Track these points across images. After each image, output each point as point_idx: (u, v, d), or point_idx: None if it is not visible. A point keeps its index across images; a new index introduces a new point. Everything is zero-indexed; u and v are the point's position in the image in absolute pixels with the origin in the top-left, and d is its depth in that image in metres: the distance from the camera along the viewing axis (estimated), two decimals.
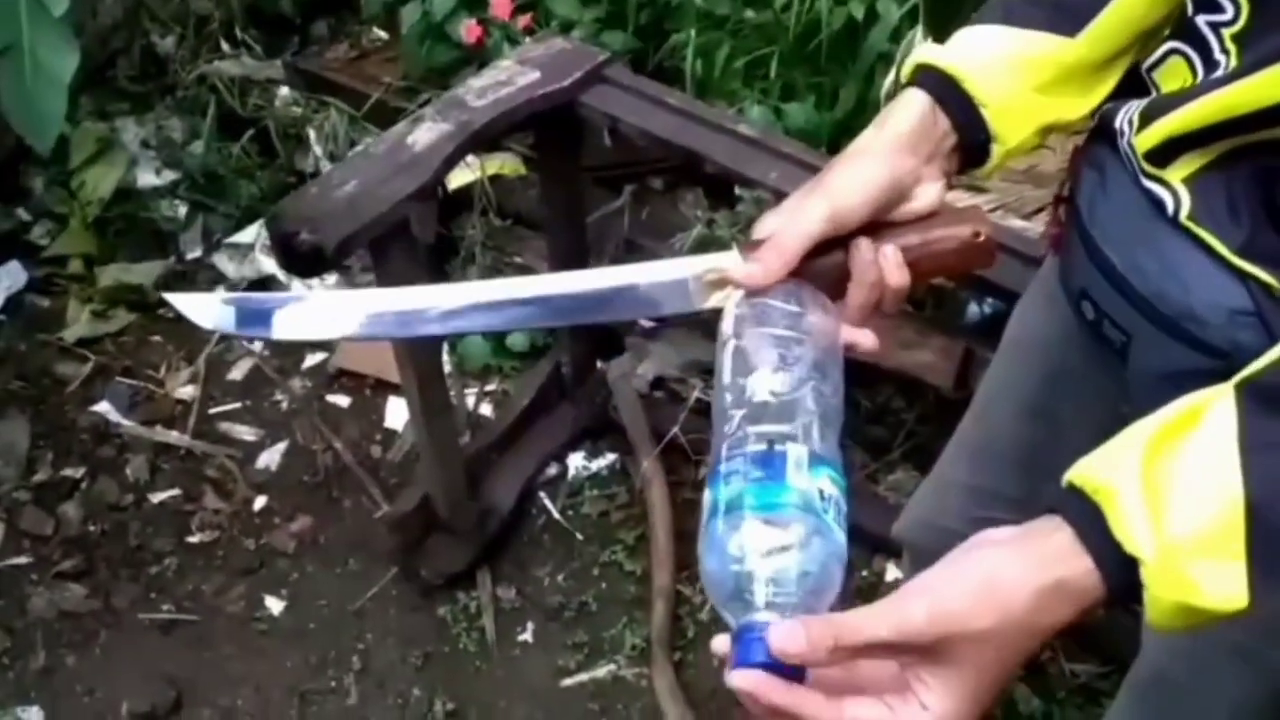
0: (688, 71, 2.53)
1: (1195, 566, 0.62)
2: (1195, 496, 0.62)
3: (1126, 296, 0.87)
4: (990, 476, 1.28)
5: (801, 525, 0.69)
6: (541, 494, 2.26)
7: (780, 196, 1.73)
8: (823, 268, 0.83)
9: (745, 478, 0.72)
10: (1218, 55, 0.81)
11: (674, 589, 2.05)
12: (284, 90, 2.83)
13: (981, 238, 0.86)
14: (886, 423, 2.23)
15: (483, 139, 1.73)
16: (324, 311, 0.91)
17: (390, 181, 1.60)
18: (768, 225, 0.85)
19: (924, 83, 0.87)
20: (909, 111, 0.86)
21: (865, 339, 0.84)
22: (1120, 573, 0.64)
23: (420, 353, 1.81)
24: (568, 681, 2.00)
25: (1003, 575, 0.65)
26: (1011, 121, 0.87)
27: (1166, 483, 0.63)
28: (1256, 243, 0.78)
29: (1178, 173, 0.83)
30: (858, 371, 2.16)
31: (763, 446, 0.73)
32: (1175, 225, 0.82)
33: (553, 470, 2.29)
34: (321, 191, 1.60)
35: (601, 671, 2.01)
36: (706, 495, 0.74)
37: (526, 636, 2.07)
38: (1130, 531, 0.63)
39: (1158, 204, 0.83)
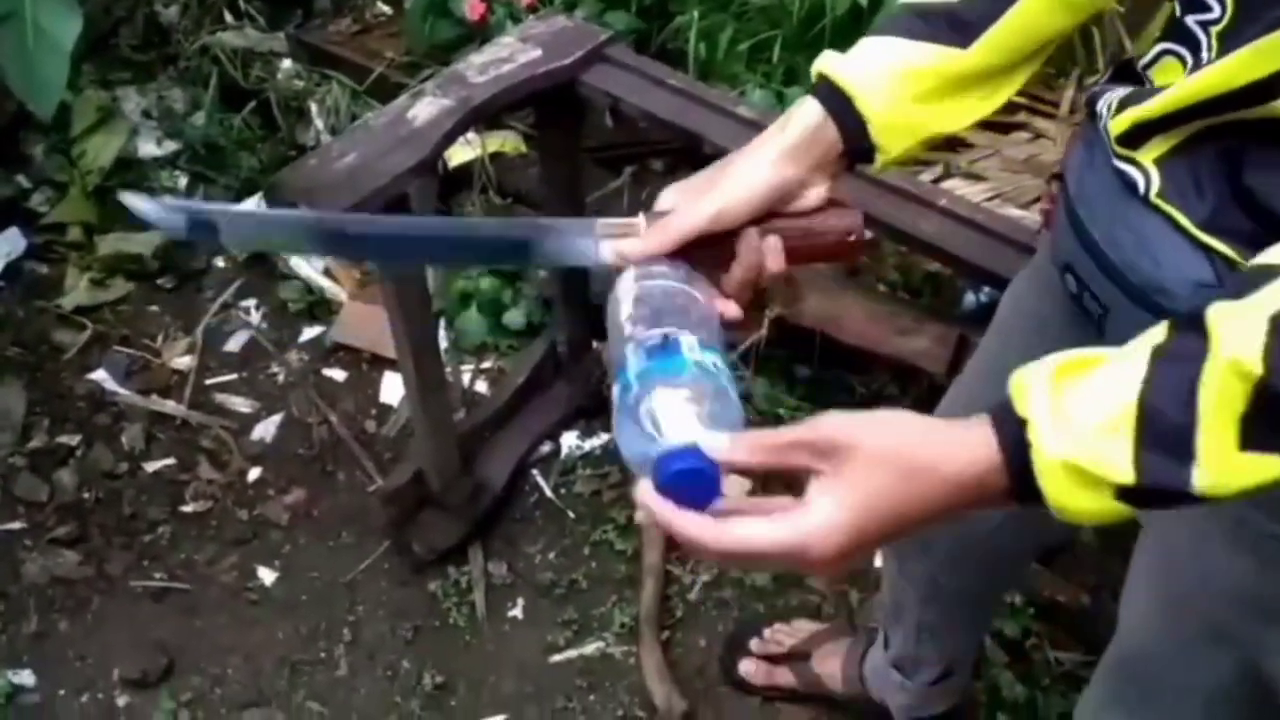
0: (690, 53, 2.53)
1: (1086, 437, 0.67)
2: (1097, 388, 0.68)
3: (1104, 269, 0.91)
4: None
5: (701, 385, 0.81)
6: (534, 472, 2.26)
7: None
8: (709, 245, 0.94)
9: (649, 358, 0.83)
10: (1204, 53, 0.84)
11: (664, 569, 2.06)
12: (286, 63, 2.83)
13: (854, 238, 0.98)
14: (879, 409, 2.23)
15: (483, 115, 1.73)
16: (265, 224, 1.07)
17: (390, 155, 1.60)
18: (666, 200, 0.97)
19: (820, 92, 0.96)
20: (804, 121, 0.95)
21: (730, 309, 0.94)
22: (1019, 449, 0.70)
23: (416, 328, 1.82)
24: (556, 658, 2.02)
25: (915, 422, 0.77)
26: (894, 135, 0.95)
27: (1077, 380, 0.69)
28: (1219, 219, 0.82)
29: (1148, 154, 0.87)
30: (852, 357, 2.19)
31: (659, 338, 0.84)
32: (1146, 203, 0.87)
33: (546, 448, 2.29)
34: (321, 163, 1.60)
35: (590, 649, 2.03)
36: (615, 389, 0.84)
37: (516, 612, 2.08)
38: (1029, 402, 0.69)
39: (1129, 184, 0.88)
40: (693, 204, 0.94)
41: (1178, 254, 0.85)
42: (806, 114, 0.95)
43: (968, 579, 1.49)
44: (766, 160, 0.94)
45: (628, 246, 0.94)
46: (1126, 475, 0.67)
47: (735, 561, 0.92)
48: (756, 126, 1.71)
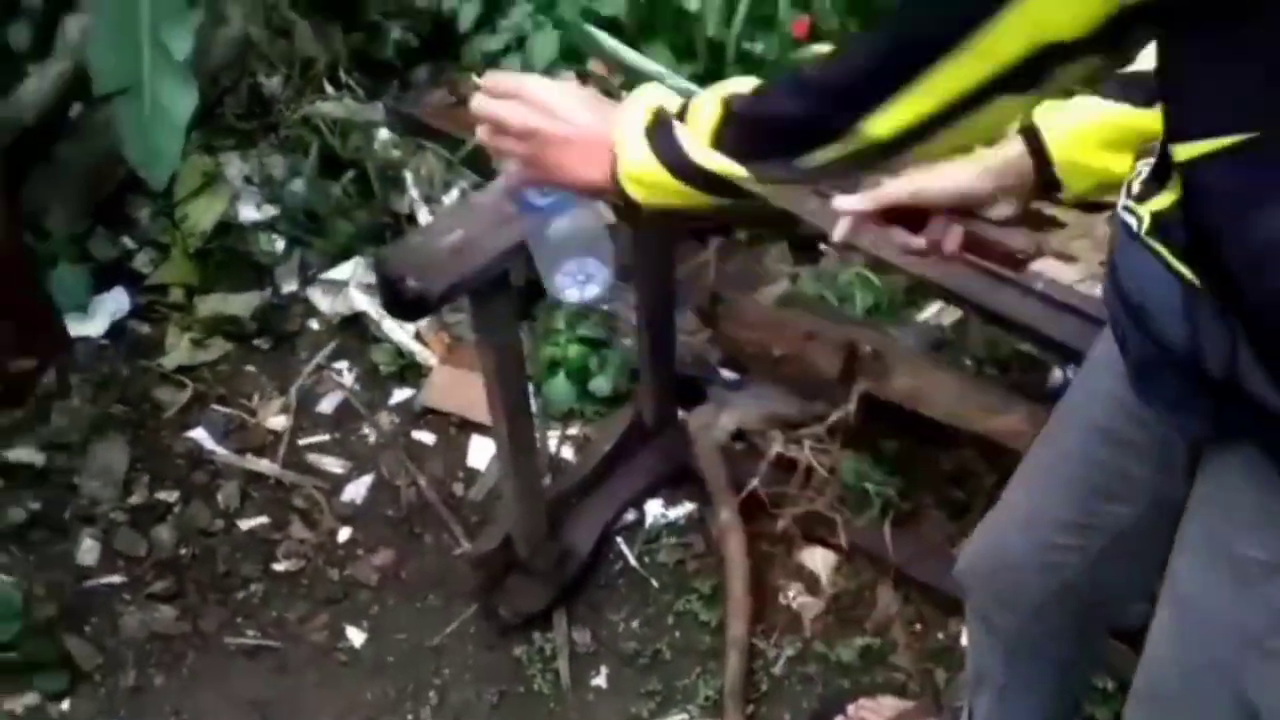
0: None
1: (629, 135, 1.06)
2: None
3: (1120, 299, 1.07)
4: (1049, 496, 1.36)
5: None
6: (619, 539, 2.28)
7: (873, 258, 1.77)
8: (908, 214, 1.24)
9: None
10: None
11: (749, 641, 2.06)
12: (383, 133, 2.92)
13: (1024, 255, 1.27)
14: (966, 486, 2.23)
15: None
16: None
17: (495, 233, 1.65)
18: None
19: (1026, 131, 1.21)
20: (1007, 151, 1.22)
21: (914, 242, 1.27)
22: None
23: (511, 393, 1.86)
24: None
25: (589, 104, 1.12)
26: (1076, 175, 1.21)
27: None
28: (1191, 252, 0.97)
29: (1148, 207, 1.02)
30: (938, 432, 2.18)
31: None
32: (1139, 240, 1.02)
33: (631, 516, 2.31)
34: (427, 240, 1.65)
35: None
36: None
37: (600, 681, 2.09)
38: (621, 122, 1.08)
39: (1128, 226, 1.04)
40: (903, 181, 1.21)
41: (1157, 281, 0.99)
42: (1012, 145, 1.21)
43: (1052, 632, 1.49)
44: (970, 170, 1.21)
45: (844, 201, 1.26)
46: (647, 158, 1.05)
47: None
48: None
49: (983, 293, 1.58)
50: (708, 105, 1.03)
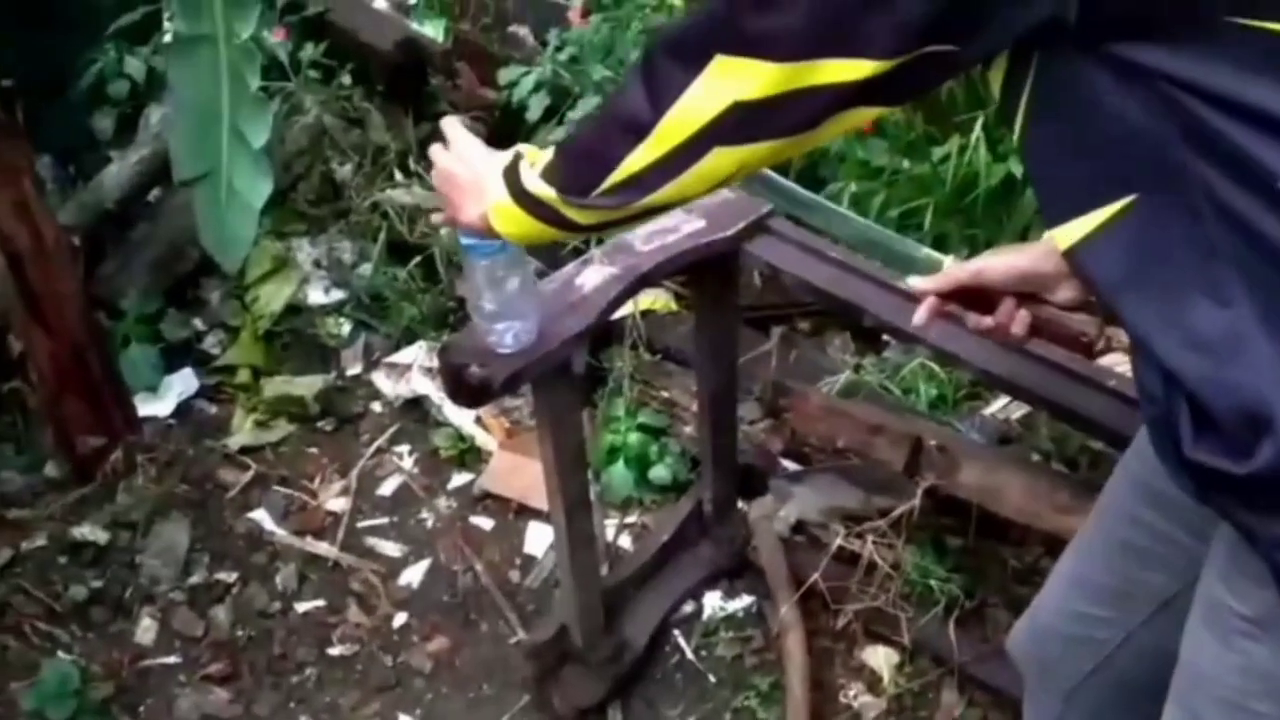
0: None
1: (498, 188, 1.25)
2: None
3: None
4: (1090, 563, 1.35)
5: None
6: (676, 631, 2.25)
7: (938, 352, 1.75)
8: (974, 296, 1.27)
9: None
10: None
11: None
12: None
13: (1088, 339, 1.26)
14: (1035, 584, 2.16)
15: (648, 282, 1.78)
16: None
17: (559, 321, 1.65)
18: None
19: None
20: None
21: (984, 323, 1.29)
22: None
23: (571, 482, 1.85)
24: None
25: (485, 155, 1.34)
26: None
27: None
28: None
29: None
30: (1006, 530, 2.13)
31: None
32: None
33: (688, 608, 2.28)
34: None
35: None
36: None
37: None
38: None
39: None
40: (967, 264, 1.26)
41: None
42: None
43: (1092, 715, 1.45)
44: (1034, 252, 1.22)
45: (918, 282, 1.30)
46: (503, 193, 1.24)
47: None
48: (916, 300, 1.72)
49: (1053, 388, 1.55)
50: (553, 145, 1.24)
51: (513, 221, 1.25)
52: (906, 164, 2.72)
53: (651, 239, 1.80)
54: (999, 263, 1.25)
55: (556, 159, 1.20)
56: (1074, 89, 0.92)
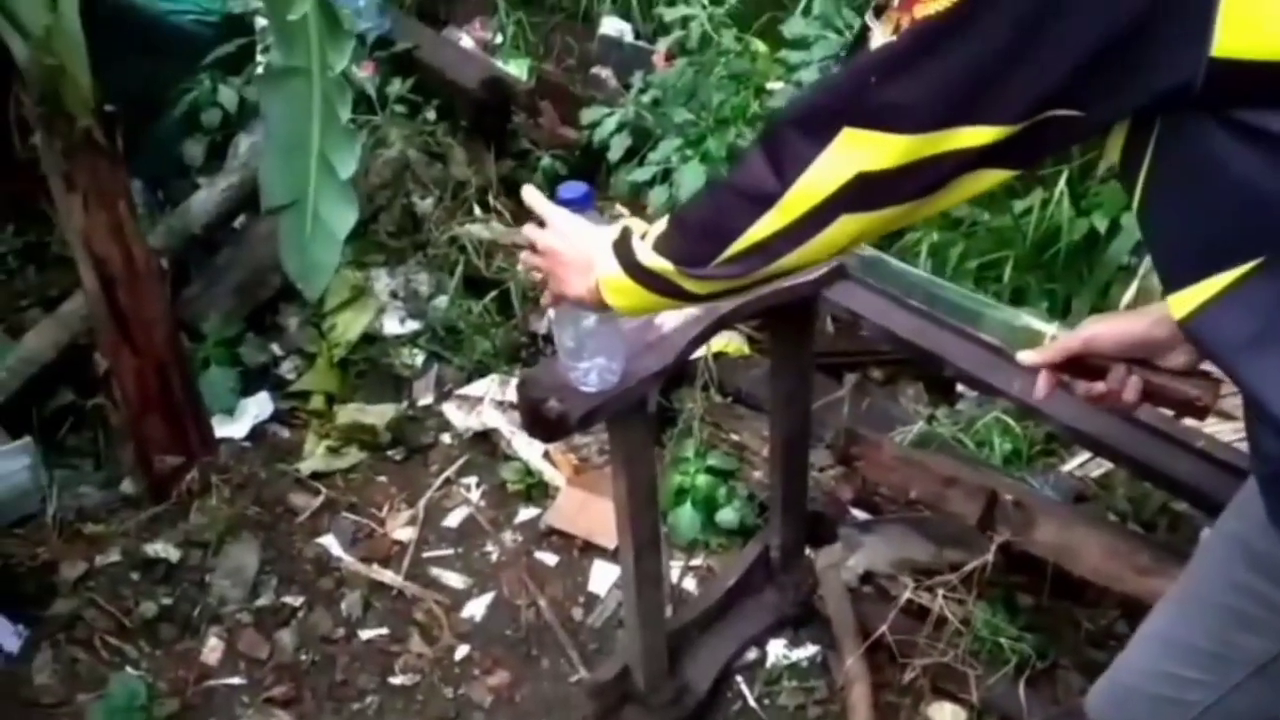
0: (921, 268, 2.56)
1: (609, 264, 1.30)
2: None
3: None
4: (1186, 625, 1.31)
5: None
6: (739, 678, 2.22)
7: (1022, 407, 1.72)
8: (1085, 363, 1.24)
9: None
10: None
11: None
12: (526, 255, 2.99)
13: (1202, 403, 1.22)
14: (1109, 647, 2.11)
15: (727, 324, 1.78)
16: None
17: (639, 359, 1.65)
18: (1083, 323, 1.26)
19: None
20: None
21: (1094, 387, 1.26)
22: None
23: (642, 522, 1.84)
24: None
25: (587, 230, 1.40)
26: None
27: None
28: None
29: None
30: (1080, 590, 2.08)
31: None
32: None
33: (752, 655, 2.25)
34: None
35: None
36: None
37: None
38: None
39: None
40: (1078, 331, 1.23)
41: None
42: None
43: None
44: (1145, 319, 1.20)
45: (1029, 356, 1.26)
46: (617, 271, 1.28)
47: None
48: (998, 352, 1.70)
49: (1139, 447, 1.52)
50: (665, 218, 1.25)
51: (625, 294, 1.29)
52: (986, 216, 2.71)
53: None
54: (1110, 330, 1.22)
55: (671, 231, 1.22)
56: (1199, 154, 0.93)
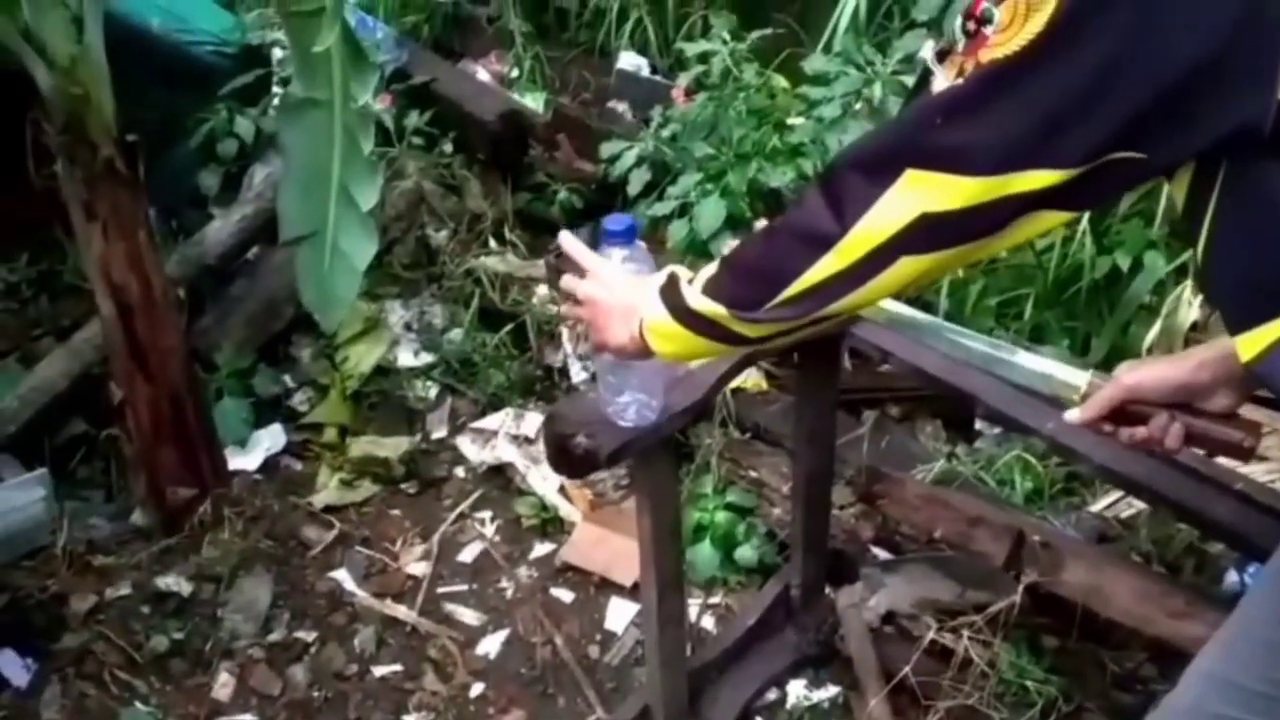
0: (940, 305, 2.55)
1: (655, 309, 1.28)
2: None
3: None
4: (1237, 666, 1.28)
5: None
6: (759, 719, 2.19)
7: (1055, 447, 1.70)
8: (1129, 411, 1.23)
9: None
10: None
11: None
12: (542, 289, 2.98)
13: (1247, 445, 1.21)
14: (1135, 691, 2.08)
15: (754, 360, 1.76)
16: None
17: (666, 395, 1.63)
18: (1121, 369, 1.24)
19: None
20: (1223, 342, 1.15)
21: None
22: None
23: (666, 560, 1.81)
24: None
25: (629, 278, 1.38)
26: None
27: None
28: None
29: None
30: (1107, 633, 2.06)
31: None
32: None
33: (772, 695, 2.22)
34: (600, 398, 1.64)
35: None
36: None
37: None
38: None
39: None
40: (1118, 381, 1.22)
41: None
42: (1225, 341, 1.14)
43: None
44: (1187, 364, 1.20)
45: (1075, 415, 1.26)
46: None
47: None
48: (1030, 391, 1.68)
49: (1176, 488, 1.50)
50: (714, 262, 1.24)
51: (671, 340, 1.27)
52: (1004, 254, 2.69)
53: None
54: (1151, 377, 1.22)
55: (722, 274, 1.20)
56: (1266, 196, 0.92)
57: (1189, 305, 2.35)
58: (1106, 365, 2.52)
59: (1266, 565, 1.29)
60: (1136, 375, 1.22)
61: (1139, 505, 2.10)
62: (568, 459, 1.62)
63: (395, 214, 3.12)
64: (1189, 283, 2.36)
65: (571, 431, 1.60)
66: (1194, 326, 2.40)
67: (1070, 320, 2.58)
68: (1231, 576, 2.18)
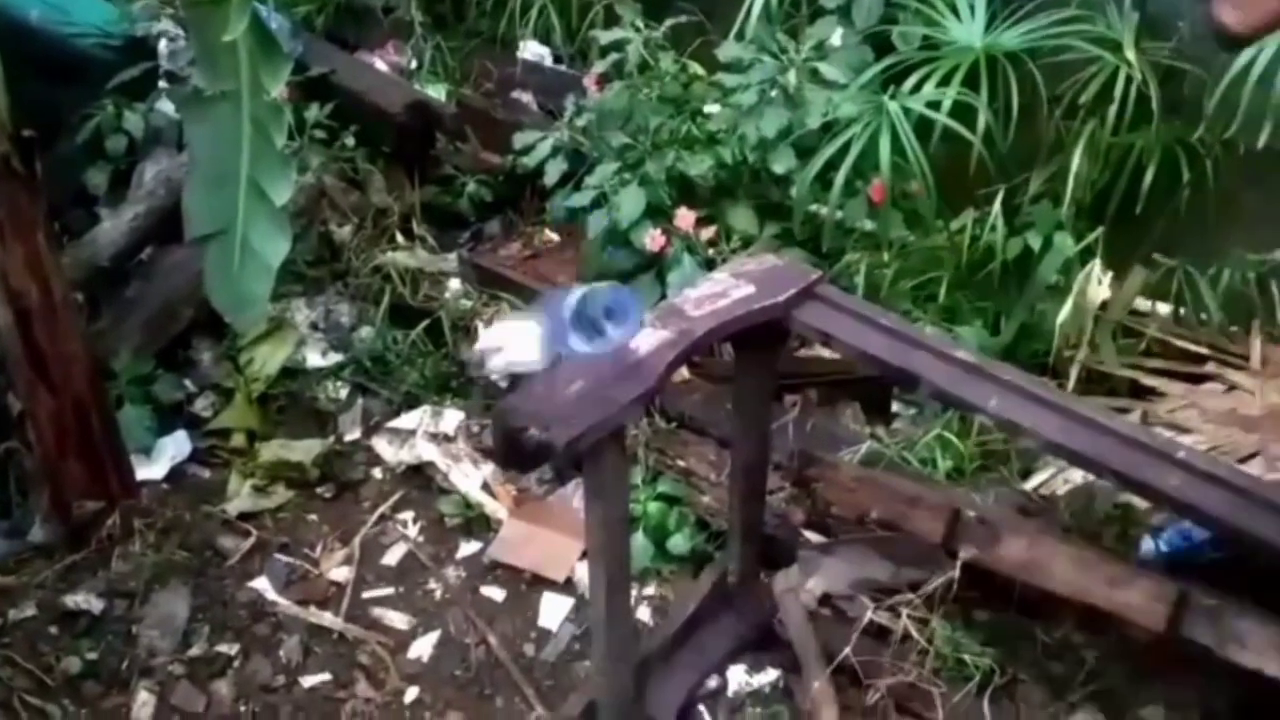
0: (859, 290, 2.58)
1: None
2: None
3: None
4: None
5: None
6: (702, 707, 2.18)
7: (1000, 424, 1.73)
8: None
9: None
10: None
11: None
12: (454, 283, 2.93)
13: None
14: (1066, 660, 2.14)
15: (700, 347, 1.75)
16: None
17: (617, 385, 1.61)
18: None
19: None
20: None
21: None
22: None
23: (614, 550, 1.79)
24: None
25: None
26: None
27: None
28: None
29: None
30: (1035, 602, 2.11)
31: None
32: None
33: (713, 683, 2.22)
34: (549, 390, 1.62)
35: None
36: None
37: None
38: None
39: None
40: None
41: None
42: None
43: None
44: None
45: None
46: None
47: None
48: (975, 370, 1.72)
49: (1120, 458, 1.54)
50: None
51: None
52: (912, 238, 2.74)
53: (702, 304, 1.78)
54: None
55: None
56: None
57: (1098, 284, 2.42)
58: (1017, 342, 2.60)
59: None
60: None
61: (1075, 480, 2.16)
62: (518, 453, 1.58)
63: (296, 209, 3.01)
64: (1097, 261, 2.43)
65: (523, 425, 1.56)
66: (1103, 306, 2.48)
67: (982, 301, 2.64)
68: (1147, 544, 2.26)
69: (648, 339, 1.71)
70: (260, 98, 2.17)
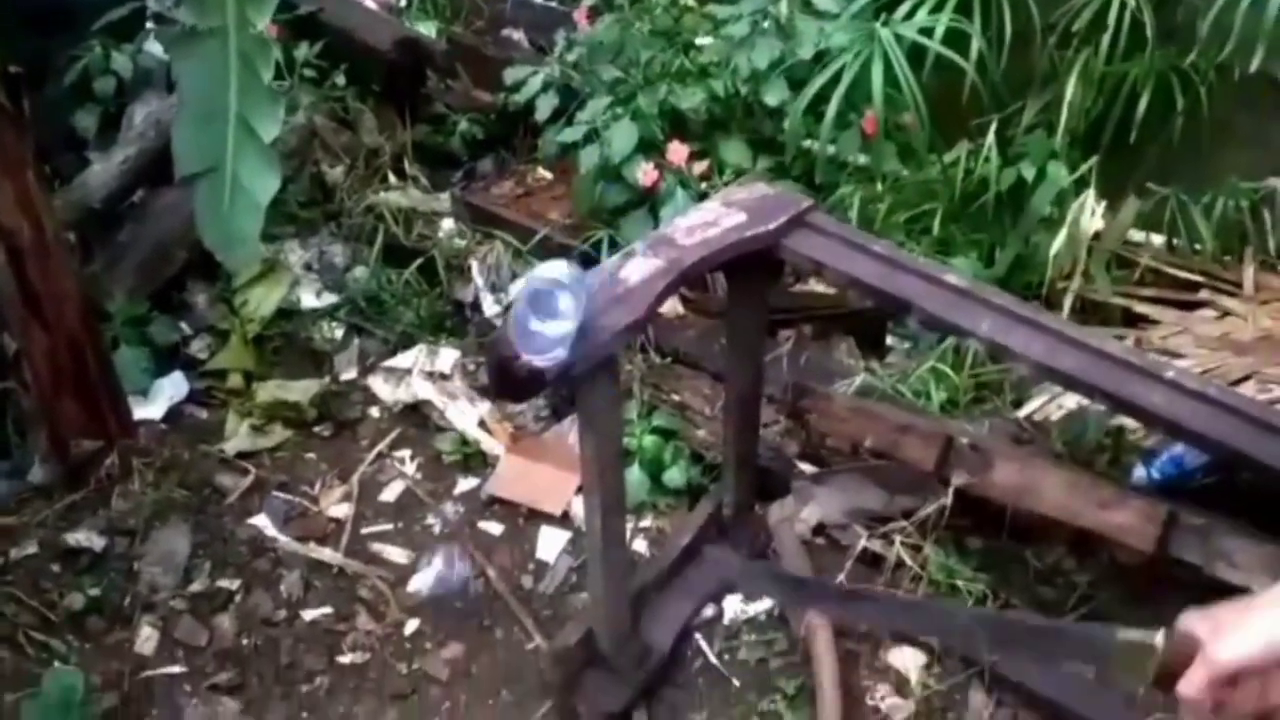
0: (853, 222, 2.57)
1: None
2: None
3: None
4: None
5: None
6: (698, 636, 2.21)
7: (991, 347, 1.74)
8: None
9: None
10: None
11: None
12: (448, 223, 2.92)
13: None
14: (1057, 584, 2.17)
15: (691, 276, 1.75)
16: None
17: (607, 313, 1.62)
18: (1192, 625, 0.93)
19: None
20: None
21: None
22: None
23: (609, 482, 1.81)
24: None
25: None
26: None
27: None
28: None
29: None
30: (1026, 528, 2.12)
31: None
32: None
33: (709, 612, 2.24)
34: None
35: None
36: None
37: None
38: None
39: None
40: (1240, 635, 0.90)
41: None
42: None
43: None
44: None
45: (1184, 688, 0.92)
46: None
47: None
48: (966, 294, 1.72)
49: (1111, 380, 1.54)
50: None
51: None
52: (905, 172, 2.73)
53: (693, 232, 1.78)
54: (1257, 642, 0.90)
55: None
56: None
57: (1091, 214, 2.42)
58: (1011, 273, 2.60)
59: None
60: (1242, 646, 0.90)
61: (1067, 406, 2.17)
62: (511, 382, 1.59)
63: (287, 150, 3.01)
64: (1090, 192, 2.43)
65: (514, 353, 1.57)
66: (1096, 236, 2.48)
67: (976, 233, 2.64)
68: (1139, 471, 2.27)
69: (638, 268, 1.72)
70: (246, 31, 2.15)
